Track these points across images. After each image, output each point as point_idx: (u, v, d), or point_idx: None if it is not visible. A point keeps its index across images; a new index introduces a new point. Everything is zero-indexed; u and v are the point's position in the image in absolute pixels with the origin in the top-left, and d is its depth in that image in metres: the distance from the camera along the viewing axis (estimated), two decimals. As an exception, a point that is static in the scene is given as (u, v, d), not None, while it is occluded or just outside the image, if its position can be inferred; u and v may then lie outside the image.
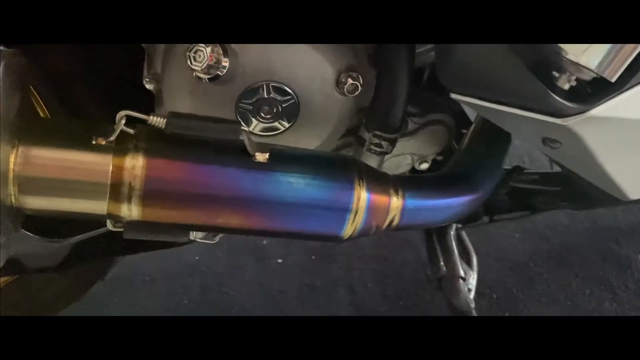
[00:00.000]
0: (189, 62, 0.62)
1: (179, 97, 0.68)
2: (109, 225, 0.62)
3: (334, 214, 0.60)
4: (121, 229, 0.62)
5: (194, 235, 0.65)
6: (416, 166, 0.85)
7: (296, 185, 0.59)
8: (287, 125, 0.71)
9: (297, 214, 0.60)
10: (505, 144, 0.82)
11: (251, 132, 0.69)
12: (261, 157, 0.58)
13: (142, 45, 0.76)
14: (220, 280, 1.39)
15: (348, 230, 0.62)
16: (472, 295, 1.00)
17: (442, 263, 0.97)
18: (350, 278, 1.36)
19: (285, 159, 0.60)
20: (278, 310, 1.31)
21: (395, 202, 0.64)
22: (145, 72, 0.74)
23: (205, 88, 0.66)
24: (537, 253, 1.37)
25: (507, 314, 1.24)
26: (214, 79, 0.63)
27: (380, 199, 0.62)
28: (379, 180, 0.63)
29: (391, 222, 0.64)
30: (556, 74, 0.49)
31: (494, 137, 0.80)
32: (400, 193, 0.64)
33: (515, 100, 0.53)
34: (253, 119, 0.70)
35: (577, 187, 0.84)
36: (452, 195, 0.69)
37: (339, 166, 0.62)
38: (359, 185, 0.61)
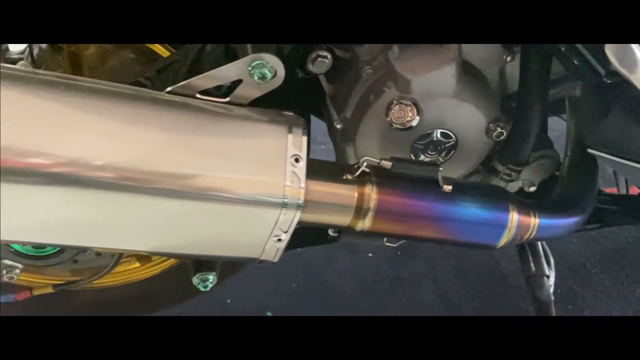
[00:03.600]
0: (390, 116, 0.87)
1: (371, 138, 0.92)
2: (330, 232, 0.87)
3: (495, 229, 0.85)
4: (336, 234, 0.87)
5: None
6: (525, 189, 1.08)
7: (470, 208, 0.83)
8: (443, 159, 0.95)
9: (470, 229, 0.84)
10: (596, 172, 1.06)
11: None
12: (447, 188, 0.82)
13: (327, 92, 1.00)
14: (320, 269, 1.63)
15: (502, 241, 0.86)
16: (551, 290, 1.24)
17: (532, 264, 1.21)
18: (433, 272, 1.60)
19: (461, 189, 0.84)
20: (373, 298, 1.56)
21: (534, 221, 0.88)
22: (334, 115, 0.98)
23: (393, 133, 0.90)
24: (592, 255, 1.61)
25: (569, 307, 1.49)
26: (406, 129, 0.88)
27: (525, 219, 0.86)
28: (523, 205, 0.87)
29: (529, 235, 0.89)
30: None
31: (589, 167, 1.04)
32: (537, 215, 0.88)
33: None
34: (422, 155, 0.94)
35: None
36: (569, 217, 0.93)
37: (496, 194, 0.86)
38: (512, 208, 0.85)
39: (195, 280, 0.91)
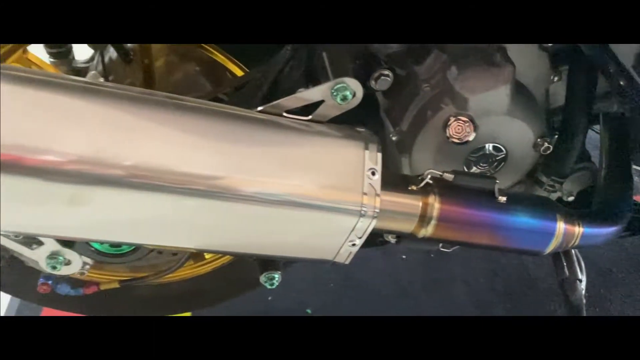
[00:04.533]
0: (448, 132, 0.94)
1: (427, 151, 0.99)
2: (389, 238, 0.95)
3: (544, 237, 0.92)
4: (394, 240, 0.95)
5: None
6: (564, 198, 1.15)
7: (523, 217, 0.90)
8: (493, 171, 1.03)
9: (522, 236, 0.91)
10: (632, 183, 1.13)
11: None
12: (502, 199, 0.89)
13: (382, 106, 1.08)
14: (357, 269, 1.71)
15: (550, 248, 0.93)
16: (583, 293, 1.31)
17: (565, 268, 1.28)
18: (465, 274, 1.68)
19: (515, 200, 0.91)
20: (407, 298, 1.63)
21: (578, 230, 0.95)
22: (390, 128, 1.05)
23: (449, 146, 0.97)
24: (618, 261, 1.68)
25: (597, 310, 1.56)
26: (462, 143, 0.95)
27: (570, 228, 0.94)
28: (569, 215, 0.94)
29: (573, 243, 0.96)
30: None
31: (625, 179, 1.11)
32: (580, 224, 0.95)
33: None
34: (474, 167, 1.01)
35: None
36: (609, 226, 1.00)
37: (545, 204, 0.93)
38: (559, 218, 0.92)
39: (262, 279, 0.99)
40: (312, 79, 0.89)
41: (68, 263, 0.92)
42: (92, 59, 1.37)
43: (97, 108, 0.68)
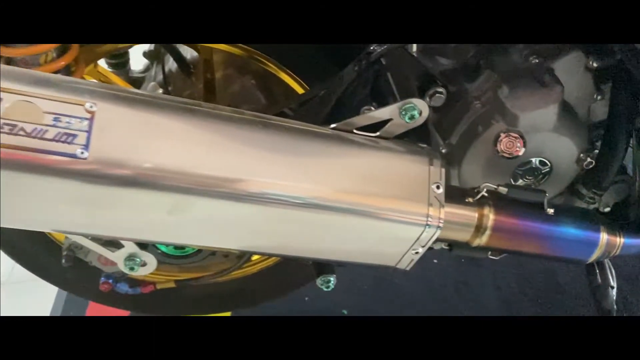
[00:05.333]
0: (499, 147, 1.00)
1: (476, 164, 1.05)
2: (438, 245, 1.01)
3: (588, 247, 0.98)
4: (447, 247, 1.01)
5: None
6: (600, 209, 1.21)
7: (569, 229, 0.97)
8: (538, 183, 1.09)
9: (567, 246, 0.97)
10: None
11: (513, 186, 1.06)
12: (550, 211, 0.95)
13: (431, 120, 1.14)
14: (388, 272, 1.77)
15: (593, 257, 0.99)
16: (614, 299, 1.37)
17: (598, 275, 1.34)
18: (496, 279, 1.73)
19: (562, 212, 0.97)
20: (440, 301, 1.69)
21: (619, 240, 1.01)
22: (440, 141, 1.12)
23: (498, 160, 1.03)
24: (644, 268, 1.74)
25: (624, 314, 1.61)
26: (512, 158, 1.01)
27: (613, 239, 1.00)
28: (611, 226, 1.01)
29: (614, 253, 1.02)
30: None
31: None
32: (621, 235, 1.01)
33: None
34: (520, 179, 1.07)
35: None
36: (646, 237, 1.06)
37: (589, 216, 1.00)
38: (603, 229, 0.98)
39: (318, 281, 1.06)
40: (375, 97, 0.95)
41: (144, 264, 0.99)
42: (146, 69, 1.44)
43: (193, 128, 0.75)
